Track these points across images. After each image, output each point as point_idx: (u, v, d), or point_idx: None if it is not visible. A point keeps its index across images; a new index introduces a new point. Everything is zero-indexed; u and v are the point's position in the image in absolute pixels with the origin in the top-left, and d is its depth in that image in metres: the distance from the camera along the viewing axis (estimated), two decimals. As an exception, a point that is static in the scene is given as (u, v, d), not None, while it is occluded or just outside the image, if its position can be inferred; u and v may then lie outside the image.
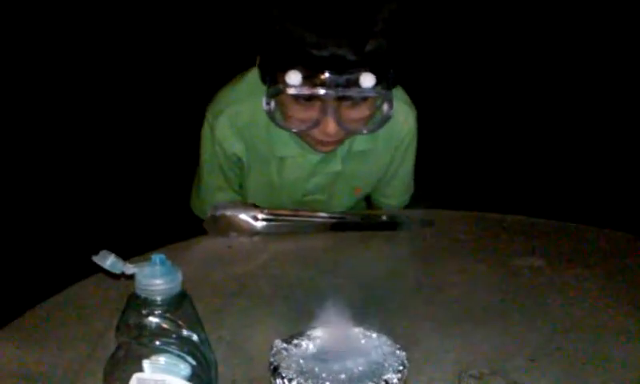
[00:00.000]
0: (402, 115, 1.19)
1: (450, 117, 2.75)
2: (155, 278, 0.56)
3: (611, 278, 0.93)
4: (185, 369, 0.57)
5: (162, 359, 0.57)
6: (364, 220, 1.11)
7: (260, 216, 1.07)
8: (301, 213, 1.10)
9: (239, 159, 1.19)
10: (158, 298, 0.56)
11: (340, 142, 1.12)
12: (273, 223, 1.08)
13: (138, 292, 0.57)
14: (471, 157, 2.70)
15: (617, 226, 1.09)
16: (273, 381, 0.63)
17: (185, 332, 0.58)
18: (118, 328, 0.57)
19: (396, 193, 1.29)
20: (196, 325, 0.59)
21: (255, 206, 1.09)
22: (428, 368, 0.72)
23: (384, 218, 1.12)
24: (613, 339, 0.79)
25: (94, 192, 2.62)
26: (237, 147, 1.18)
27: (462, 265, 0.97)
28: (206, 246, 1.06)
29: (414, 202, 1.30)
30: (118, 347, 0.58)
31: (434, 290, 0.90)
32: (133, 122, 3.03)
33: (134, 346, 0.57)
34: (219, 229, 1.07)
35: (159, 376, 0.56)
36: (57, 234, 2.31)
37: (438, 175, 2.14)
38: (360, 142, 1.17)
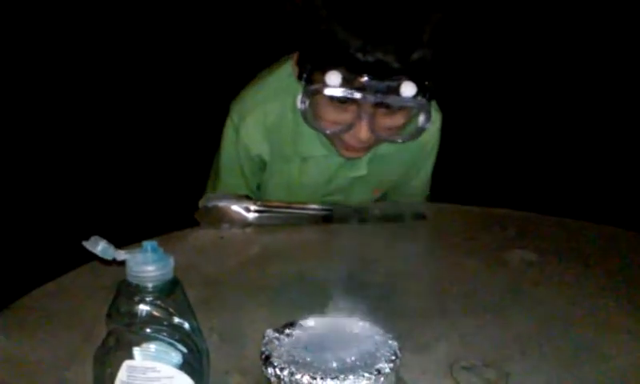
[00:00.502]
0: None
1: (446, 112, 2.76)
2: (147, 264, 0.56)
3: (610, 276, 0.93)
4: (176, 357, 0.57)
5: (152, 347, 0.56)
6: (356, 213, 1.11)
7: (252, 207, 1.07)
8: (293, 205, 1.10)
9: (262, 160, 1.18)
10: (150, 285, 0.56)
11: (368, 149, 1.10)
12: (265, 215, 1.08)
13: (130, 279, 0.56)
14: (466, 151, 2.70)
15: (617, 222, 1.09)
16: (264, 370, 0.63)
17: (176, 320, 0.57)
18: (108, 315, 0.57)
19: (413, 193, 1.28)
20: (187, 313, 0.59)
21: (248, 198, 1.08)
22: (420, 360, 0.72)
23: (377, 211, 1.12)
24: (605, 330, 0.79)
25: (86, 182, 2.61)
26: (262, 149, 1.16)
27: (455, 258, 0.97)
28: (198, 237, 1.05)
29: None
30: (109, 334, 0.58)
31: (427, 283, 0.91)
32: (127, 112, 3.01)
33: (125, 334, 0.57)
34: (211, 220, 1.07)
35: (150, 363, 0.56)
36: (49, 224, 2.30)
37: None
38: (385, 146, 1.15)
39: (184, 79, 3.06)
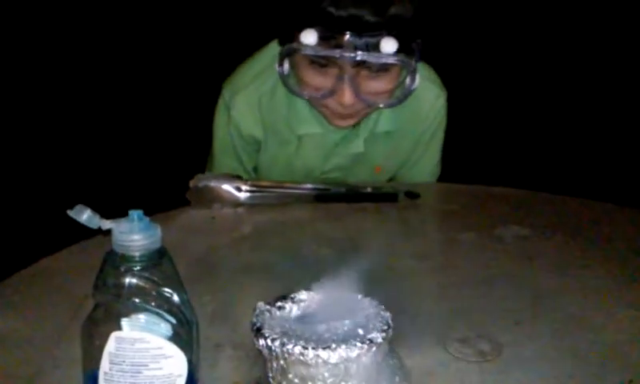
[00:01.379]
0: (431, 96, 1.15)
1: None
2: (133, 233, 0.54)
3: (601, 250, 0.92)
4: (165, 327, 0.56)
5: (141, 317, 0.55)
6: (348, 191, 1.10)
7: (243, 187, 1.06)
8: (285, 184, 1.09)
9: (256, 140, 1.16)
10: (136, 254, 0.55)
11: (358, 116, 1.07)
12: (256, 194, 1.06)
13: (116, 248, 0.55)
14: (459, 131, 2.70)
15: (608, 198, 1.09)
16: (256, 342, 0.62)
17: (164, 290, 0.56)
18: (95, 286, 0.56)
19: (422, 176, 1.24)
20: (176, 283, 0.58)
21: (239, 178, 1.07)
22: (414, 333, 0.71)
23: (369, 189, 1.11)
24: (595, 301, 0.79)
25: (76, 163, 2.59)
26: (254, 128, 1.14)
27: (448, 234, 0.97)
28: (188, 217, 1.04)
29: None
30: (96, 306, 0.57)
31: (420, 258, 0.90)
32: (119, 93, 2.99)
33: (113, 305, 0.55)
34: (202, 200, 1.06)
35: (138, 334, 0.55)
36: (38, 203, 2.28)
37: None
38: (384, 123, 1.13)
39: (176, 60, 3.04)
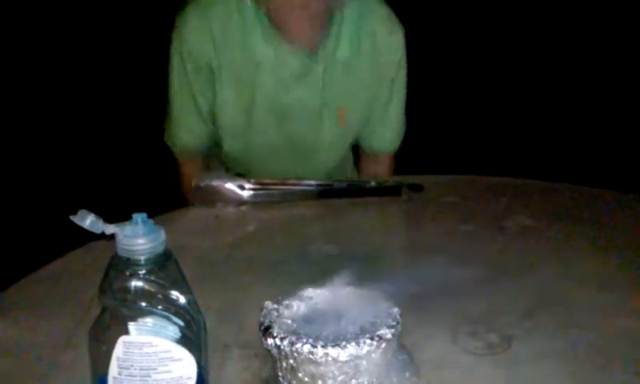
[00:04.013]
0: (386, 29, 1.17)
1: (441, 82, 2.75)
2: (137, 237, 0.54)
3: (607, 237, 0.92)
4: (172, 330, 0.55)
5: (148, 321, 0.55)
6: (351, 186, 1.10)
7: (246, 186, 1.06)
8: (288, 181, 1.08)
9: (209, 68, 1.12)
10: (142, 258, 0.54)
11: (313, 32, 1.09)
12: (259, 192, 1.06)
13: (120, 253, 0.55)
14: (457, 122, 2.69)
15: (604, 183, 1.09)
16: (264, 341, 0.62)
17: (170, 293, 0.56)
18: (101, 291, 0.55)
19: (387, 133, 1.25)
20: (182, 285, 0.57)
21: (241, 176, 1.07)
22: (422, 326, 0.71)
23: (372, 183, 1.10)
24: (605, 291, 0.79)
25: (78, 166, 2.58)
26: (209, 54, 1.11)
27: (453, 226, 0.97)
28: (192, 217, 1.04)
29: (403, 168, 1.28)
30: (103, 311, 0.56)
31: (425, 251, 0.89)
32: (119, 94, 2.97)
33: (119, 309, 0.55)
34: (205, 199, 1.05)
35: (146, 338, 0.55)
36: (40, 208, 2.28)
37: (427, 140, 2.13)
38: (342, 50, 1.13)
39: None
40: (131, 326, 0.55)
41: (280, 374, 0.62)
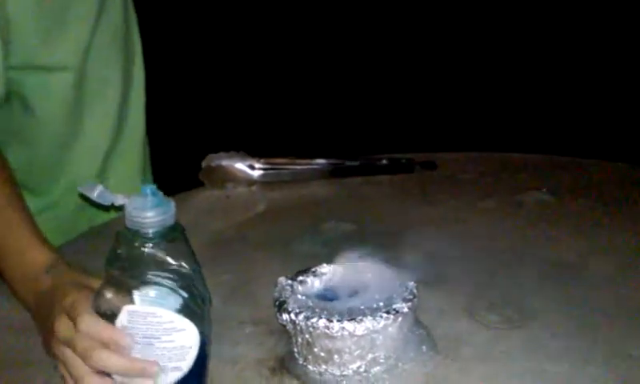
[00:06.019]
0: None
1: (450, 58, 2.72)
2: (146, 209, 0.53)
3: (627, 213, 0.90)
4: (176, 301, 0.54)
5: (152, 292, 0.54)
6: (363, 164, 1.08)
7: (257, 165, 1.04)
8: (299, 160, 1.07)
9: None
10: (150, 231, 0.53)
11: None
12: (270, 172, 1.05)
13: (129, 225, 0.54)
14: (468, 98, 2.66)
15: (615, 156, 1.07)
16: (279, 317, 0.61)
17: (177, 265, 0.54)
18: (108, 262, 0.54)
19: None
20: (189, 258, 0.56)
21: (252, 156, 1.06)
22: (438, 300, 0.70)
23: (384, 161, 1.09)
24: (621, 263, 0.77)
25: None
26: None
27: (467, 202, 0.95)
28: (202, 198, 1.03)
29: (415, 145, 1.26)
30: (108, 280, 0.55)
31: (440, 227, 0.88)
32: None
33: (125, 279, 0.54)
34: (216, 180, 1.04)
35: (149, 308, 0.54)
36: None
37: (439, 117, 2.10)
38: None
39: (184, 40, 2.98)
40: (136, 295, 0.54)
41: (295, 349, 0.61)
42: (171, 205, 0.54)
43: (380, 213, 0.95)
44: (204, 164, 1.05)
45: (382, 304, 0.59)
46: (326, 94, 2.61)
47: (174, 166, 1.27)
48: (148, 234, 0.53)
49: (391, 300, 0.60)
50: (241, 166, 1.04)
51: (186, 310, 0.54)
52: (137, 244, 0.53)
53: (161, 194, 0.54)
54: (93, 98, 0.92)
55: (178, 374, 0.55)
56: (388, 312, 0.58)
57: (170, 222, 0.54)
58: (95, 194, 0.54)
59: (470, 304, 0.70)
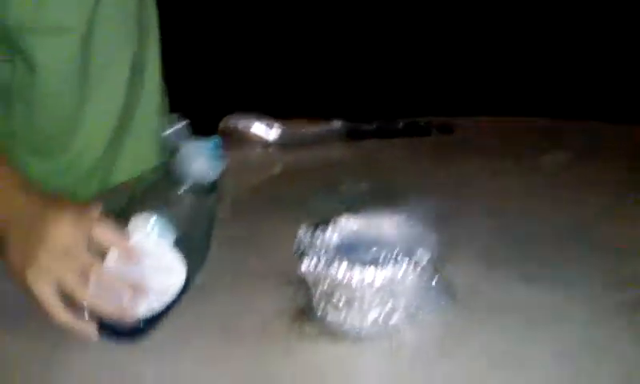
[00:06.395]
0: None
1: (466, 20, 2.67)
2: (203, 157, 0.58)
3: (635, 169, 0.90)
4: (170, 236, 0.58)
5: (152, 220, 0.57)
6: (380, 127, 1.08)
7: (273, 127, 1.04)
8: (315, 122, 1.07)
9: None
10: (192, 179, 0.58)
11: None
12: (286, 134, 1.05)
13: (181, 165, 0.58)
14: (488, 61, 2.62)
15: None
16: (299, 266, 0.61)
17: (200, 216, 0.58)
18: (144, 191, 0.59)
19: None
20: (206, 220, 0.60)
21: (268, 118, 1.06)
22: (458, 254, 0.69)
23: (401, 124, 1.09)
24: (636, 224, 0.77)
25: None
26: None
27: (486, 163, 0.95)
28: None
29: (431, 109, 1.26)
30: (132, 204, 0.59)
31: (459, 186, 0.88)
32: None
33: (146, 208, 0.58)
34: (232, 141, 1.05)
35: (153, 239, 0.57)
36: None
37: (457, 81, 2.07)
38: None
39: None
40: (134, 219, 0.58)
41: (314, 300, 0.62)
42: (222, 163, 0.59)
43: (398, 173, 0.95)
44: (221, 125, 1.05)
45: (402, 253, 0.59)
46: (344, 55, 2.58)
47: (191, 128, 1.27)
48: (187, 180, 0.57)
49: (412, 250, 0.60)
50: (257, 127, 1.04)
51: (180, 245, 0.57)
52: (174, 185, 0.57)
53: (220, 150, 0.60)
54: (101, 68, 0.90)
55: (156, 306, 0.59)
56: (408, 262, 0.58)
57: (214, 177, 0.59)
58: (173, 130, 0.58)
59: (488, 259, 0.70)
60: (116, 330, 0.58)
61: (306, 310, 0.63)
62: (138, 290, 0.57)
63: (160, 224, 0.57)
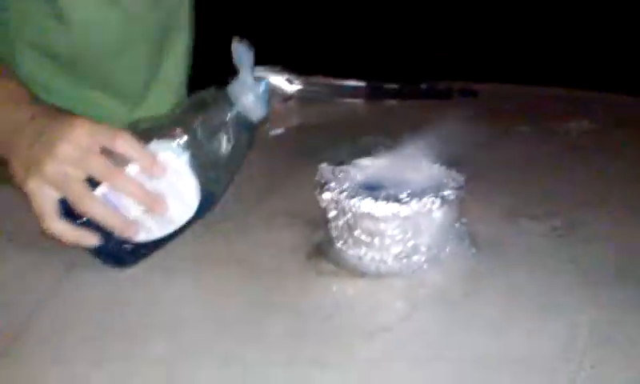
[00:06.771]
0: None
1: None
2: (250, 93, 0.58)
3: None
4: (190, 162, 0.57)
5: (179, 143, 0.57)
6: (402, 88, 1.06)
7: (294, 81, 1.02)
8: (337, 80, 1.05)
9: None
10: (238, 111, 0.58)
11: None
12: (307, 88, 1.03)
13: (236, 98, 0.58)
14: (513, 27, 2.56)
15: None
16: (320, 197, 0.59)
17: (223, 158, 0.59)
18: (185, 110, 0.58)
19: None
20: (234, 161, 0.60)
21: (288, 71, 1.04)
22: (484, 206, 0.68)
23: (423, 86, 1.06)
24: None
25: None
26: None
27: (508, 128, 0.92)
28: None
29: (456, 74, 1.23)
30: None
31: (483, 146, 0.85)
32: None
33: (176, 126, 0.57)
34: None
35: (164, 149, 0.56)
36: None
37: (482, 47, 2.03)
38: None
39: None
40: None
41: (334, 233, 0.60)
42: (267, 107, 0.60)
43: (420, 130, 0.92)
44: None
45: (429, 190, 0.57)
46: (371, 16, 2.55)
47: (207, 79, 1.25)
48: (243, 114, 0.58)
49: (438, 188, 0.58)
50: (277, 79, 1.02)
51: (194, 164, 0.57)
52: (221, 114, 0.57)
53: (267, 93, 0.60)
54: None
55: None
56: (435, 197, 0.56)
57: (257, 118, 0.60)
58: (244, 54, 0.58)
59: (512, 212, 0.68)
60: (107, 250, 0.57)
61: (323, 245, 0.61)
62: (156, 204, 0.55)
63: (188, 146, 0.56)
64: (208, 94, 0.59)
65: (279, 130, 0.98)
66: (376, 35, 2.44)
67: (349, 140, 0.88)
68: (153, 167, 0.55)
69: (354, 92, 1.04)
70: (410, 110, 1.01)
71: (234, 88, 0.58)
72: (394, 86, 1.06)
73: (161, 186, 0.56)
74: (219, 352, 0.50)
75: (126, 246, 0.57)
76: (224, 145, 0.58)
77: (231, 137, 0.58)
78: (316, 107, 1.01)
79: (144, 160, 0.55)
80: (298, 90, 1.02)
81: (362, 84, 1.04)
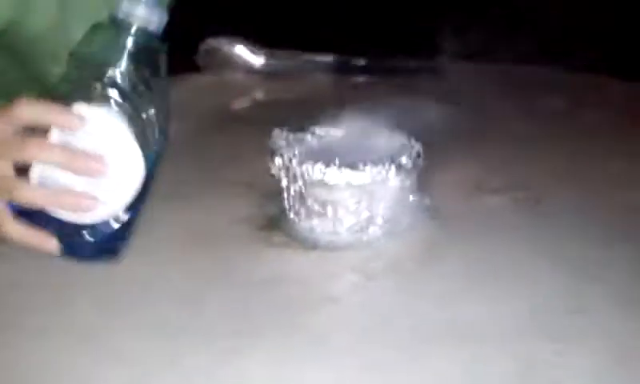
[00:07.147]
0: None
1: None
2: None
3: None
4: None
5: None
6: (370, 64, 1.03)
7: (258, 53, 0.99)
8: (303, 53, 1.02)
9: None
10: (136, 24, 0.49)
11: None
12: (272, 62, 1.00)
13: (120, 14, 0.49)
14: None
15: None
16: (272, 165, 0.56)
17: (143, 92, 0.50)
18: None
19: None
20: (158, 96, 0.51)
21: (253, 42, 1.00)
22: (446, 179, 0.65)
23: (391, 63, 1.04)
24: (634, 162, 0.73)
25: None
26: None
27: (479, 104, 0.89)
28: (198, 81, 0.97)
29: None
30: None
31: (444, 122, 0.83)
32: None
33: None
34: (213, 64, 0.99)
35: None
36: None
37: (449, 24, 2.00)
38: None
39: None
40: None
41: (287, 204, 0.57)
42: (165, 14, 0.50)
43: (381, 105, 0.90)
44: (202, 47, 0.99)
45: (385, 158, 0.54)
46: None
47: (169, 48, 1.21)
48: (143, 27, 0.49)
49: (395, 156, 0.55)
50: (241, 50, 0.99)
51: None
52: (122, 36, 0.48)
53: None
54: None
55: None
56: (390, 164, 0.53)
57: (159, 26, 0.50)
58: None
59: (475, 185, 0.66)
60: (80, 245, 0.50)
61: (276, 216, 0.59)
62: (91, 162, 0.48)
63: (108, 96, 0.48)
64: (100, 27, 0.50)
65: (243, 104, 0.95)
66: (347, 9, 2.39)
67: (314, 115, 0.86)
68: (66, 120, 0.48)
69: (320, 66, 1.01)
70: (377, 86, 0.98)
71: (123, 8, 0.50)
72: (361, 61, 1.03)
73: (96, 149, 0.49)
74: (160, 322, 0.47)
75: (100, 229, 0.50)
76: (143, 77, 0.50)
77: (142, 65, 0.50)
78: (281, 82, 0.98)
79: (55, 117, 0.48)
80: (262, 64, 0.99)
81: (328, 59, 1.01)
